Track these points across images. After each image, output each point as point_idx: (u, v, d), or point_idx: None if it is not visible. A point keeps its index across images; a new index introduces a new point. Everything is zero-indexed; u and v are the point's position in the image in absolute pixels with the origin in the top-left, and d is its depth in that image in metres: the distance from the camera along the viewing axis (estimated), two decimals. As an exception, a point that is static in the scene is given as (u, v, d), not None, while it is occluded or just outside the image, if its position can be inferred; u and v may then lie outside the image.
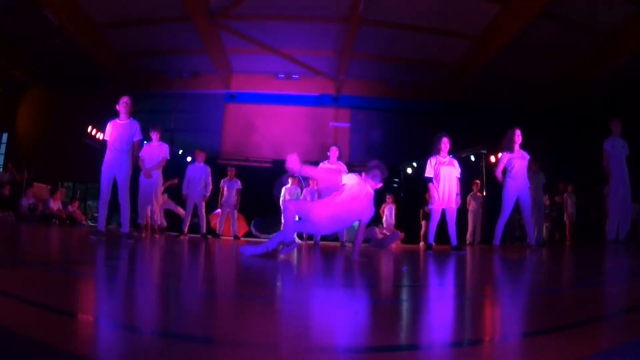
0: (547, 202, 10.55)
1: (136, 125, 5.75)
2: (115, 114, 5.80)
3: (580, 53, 11.05)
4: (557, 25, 9.88)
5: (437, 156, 6.33)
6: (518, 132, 6.30)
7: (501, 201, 6.29)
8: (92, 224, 11.25)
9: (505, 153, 6.32)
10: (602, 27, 9.93)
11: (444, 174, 6.23)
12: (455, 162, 6.39)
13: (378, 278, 3.15)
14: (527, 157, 6.35)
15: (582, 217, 10.88)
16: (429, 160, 6.35)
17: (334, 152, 7.50)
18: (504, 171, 6.30)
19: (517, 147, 6.28)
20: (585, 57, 11.09)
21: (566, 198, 10.80)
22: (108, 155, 5.63)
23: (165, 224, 8.96)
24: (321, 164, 7.52)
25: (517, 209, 6.46)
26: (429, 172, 6.30)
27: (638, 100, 10.12)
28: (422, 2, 9.96)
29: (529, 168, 6.53)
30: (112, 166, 5.58)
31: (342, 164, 7.58)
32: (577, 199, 10.79)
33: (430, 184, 6.25)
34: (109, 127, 5.74)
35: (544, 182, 8.88)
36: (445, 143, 6.29)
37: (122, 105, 5.72)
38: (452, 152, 6.61)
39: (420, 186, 6.54)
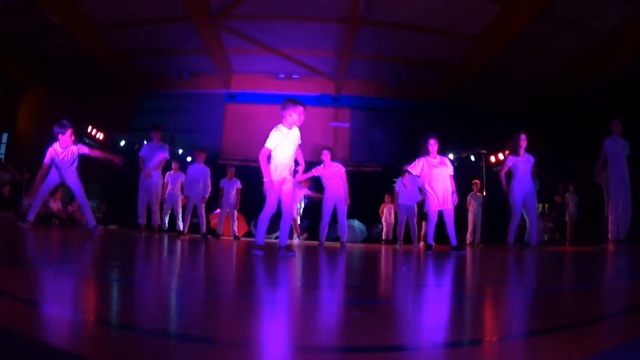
0: (547, 210, 10.60)
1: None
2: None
3: (580, 53, 11.05)
4: (557, 25, 9.88)
5: (427, 157, 6.37)
6: (523, 137, 6.39)
7: (509, 204, 6.39)
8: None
9: (511, 156, 6.43)
10: (602, 27, 9.93)
11: (437, 175, 6.27)
12: (447, 161, 6.45)
13: (378, 278, 3.15)
14: (532, 160, 6.43)
15: (582, 217, 10.88)
16: (417, 159, 6.45)
17: (326, 155, 7.42)
18: (509, 175, 6.37)
19: (522, 151, 6.38)
20: (585, 57, 11.09)
21: (567, 198, 10.80)
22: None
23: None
24: (314, 170, 7.46)
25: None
26: (412, 168, 6.49)
27: (638, 100, 10.11)
28: (422, 2, 9.96)
29: None
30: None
31: (337, 164, 7.50)
32: (579, 199, 10.79)
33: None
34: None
35: (537, 188, 8.83)
36: (432, 144, 6.34)
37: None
38: (453, 152, 6.66)
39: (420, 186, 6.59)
